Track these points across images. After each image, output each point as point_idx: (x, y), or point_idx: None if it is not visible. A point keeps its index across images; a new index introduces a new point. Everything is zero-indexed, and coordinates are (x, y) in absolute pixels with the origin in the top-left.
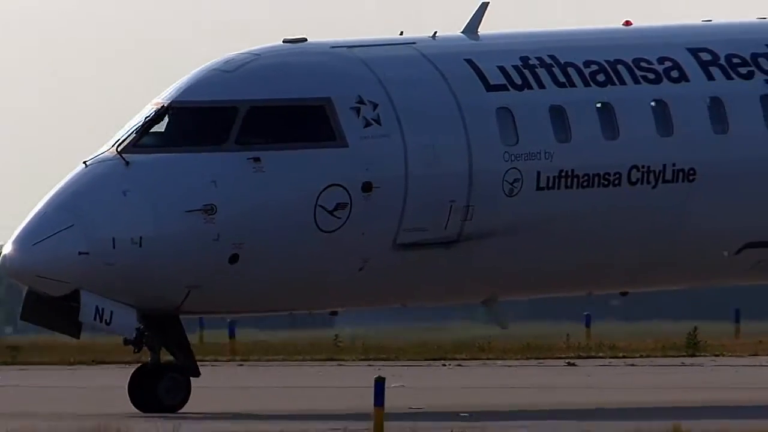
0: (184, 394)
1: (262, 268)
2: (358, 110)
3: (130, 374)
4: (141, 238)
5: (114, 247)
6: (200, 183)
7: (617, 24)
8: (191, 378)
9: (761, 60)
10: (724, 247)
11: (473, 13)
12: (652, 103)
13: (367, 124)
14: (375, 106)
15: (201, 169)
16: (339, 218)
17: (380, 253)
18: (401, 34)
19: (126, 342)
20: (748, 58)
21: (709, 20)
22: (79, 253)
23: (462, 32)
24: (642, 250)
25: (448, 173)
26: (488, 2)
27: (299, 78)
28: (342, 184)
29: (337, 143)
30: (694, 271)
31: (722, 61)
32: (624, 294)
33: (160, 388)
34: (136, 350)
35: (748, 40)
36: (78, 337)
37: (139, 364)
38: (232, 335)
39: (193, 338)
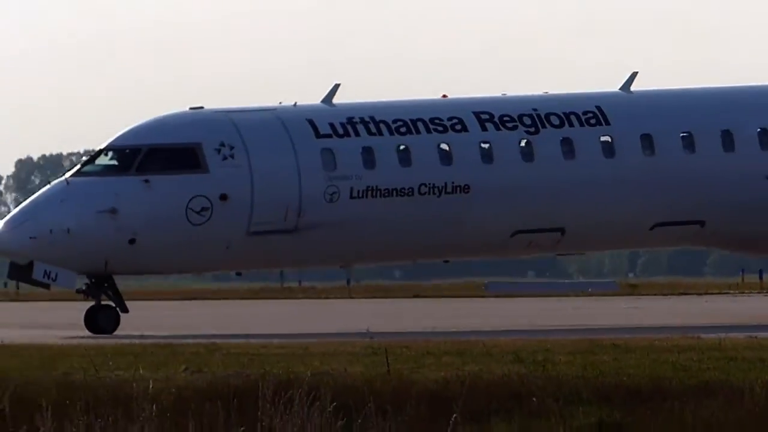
0: (115, 323)
1: (152, 247)
2: (219, 150)
3: (85, 311)
4: (69, 229)
5: (51, 234)
6: (108, 195)
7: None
8: (121, 313)
9: (524, 118)
10: (498, 234)
11: (331, 88)
12: (442, 145)
13: (225, 158)
14: (231, 147)
15: (110, 187)
16: (204, 216)
17: (239, 238)
18: (295, 104)
19: (78, 291)
20: (515, 117)
21: (504, 94)
22: (30, 238)
23: (321, 102)
24: (431, 235)
25: (285, 188)
26: (339, 84)
27: (183, 130)
28: (205, 194)
29: (202, 170)
30: (477, 249)
31: (496, 119)
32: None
33: (100, 319)
34: (86, 297)
35: (518, 105)
36: (48, 288)
37: (93, 303)
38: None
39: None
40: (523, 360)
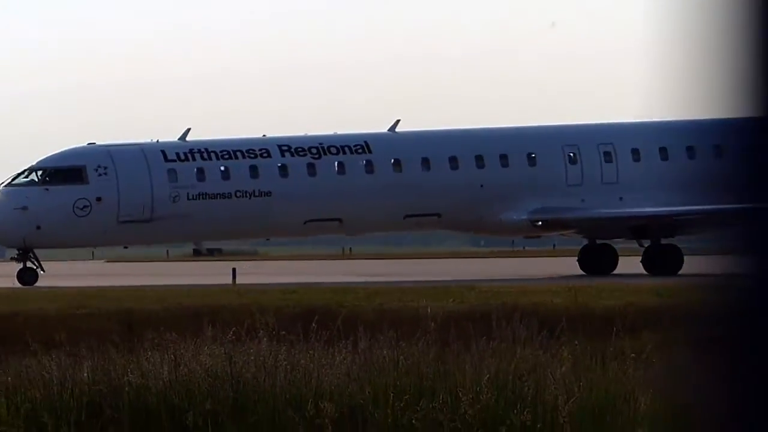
0: (36, 278)
1: (51, 231)
2: (97, 170)
3: (17, 271)
4: (33, 219)
5: None
6: (22, 198)
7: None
8: (39, 273)
9: (312, 149)
10: (295, 223)
11: (184, 131)
12: (252, 165)
13: (100, 175)
14: (105, 168)
15: (24, 193)
16: (86, 212)
17: (112, 225)
18: (157, 140)
19: (11, 258)
20: (306, 148)
21: (306, 134)
22: None
23: (177, 139)
24: (244, 224)
25: (142, 193)
26: (190, 128)
27: (75, 157)
28: (86, 197)
29: (84, 183)
30: (281, 232)
31: (292, 149)
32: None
33: (26, 276)
34: (17, 262)
35: (308, 140)
36: None
37: (21, 266)
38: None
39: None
40: (661, 294)
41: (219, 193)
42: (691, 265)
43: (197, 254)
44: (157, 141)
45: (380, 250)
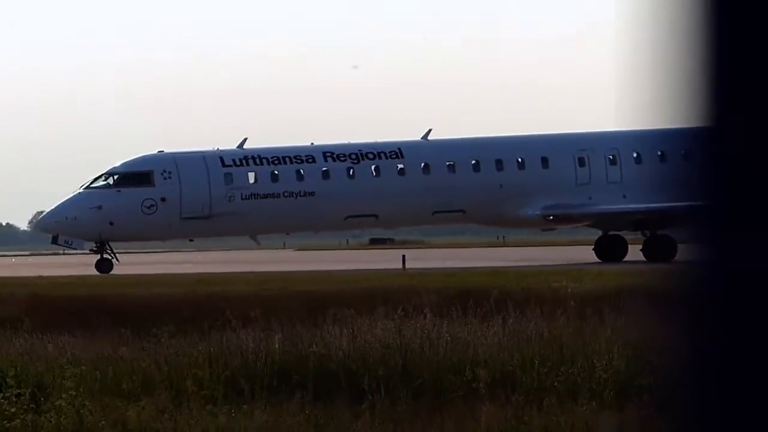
0: (111, 267)
1: (122, 227)
2: (163, 174)
3: (96, 261)
4: (76, 217)
5: (66, 220)
6: (98, 199)
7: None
8: (114, 262)
9: (351, 155)
10: (336, 218)
11: (240, 140)
12: (299, 170)
13: (166, 179)
14: (170, 172)
15: (99, 195)
16: (152, 210)
17: (177, 220)
18: (217, 149)
19: (91, 250)
20: (346, 154)
21: (349, 142)
22: (54, 222)
23: (235, 147)
24: (291, 220)
25: (200, 194)
26: (247, 138)
27: (144, 163)
28: (153, 198)
29: (152, 185)
30: (325, 227)
31: (334, 156)
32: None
33: (103, 266)
34: (96, 252)
35: (348, 147)
36: (78, 249)
37: (98, 257)
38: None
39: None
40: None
41: (269, 194)
42: (683, 252)
43: (373, 243)
44: (218, 149)
45: (531, 239)
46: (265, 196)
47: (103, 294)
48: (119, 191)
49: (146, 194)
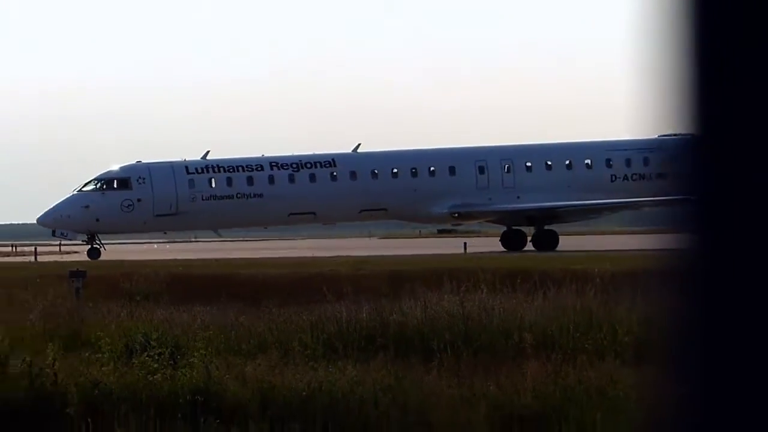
0: (99, 255)
1: (106, 222)
2: (138, 180)
3: (87, 250)
4: (69, 215)
5: (60, 217)
6: (86, 199)
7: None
8: (102, 250)
9: (293, 164)
10: (281, 215)
11: (204, 152)
12: (250, 176)
13: (140, 184)
14: (144, 179)
15: (87, 196)
16: (130, 209)
17: (151, 217)
18: (184, 159)
19: (82, 241)
20: (288, 164)
21: (292, 153)
22: (53, 219)
23: (200, 158)
24: (240, 218)
25: (168, 196)
26: (209, 150)
27: (124, 171)
28: (130, 198)
29: (129, 189)
30: (269, 224)
31: (278, 165)
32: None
33: (93, 254)
34: (87, 243)
35: (290, 158)
36: (72, 240)
37: (89, 246)
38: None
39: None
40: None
41: (225, 195)
42: (564, 243)
43: (440, 233)
44: (184, 159)
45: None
46: (222, 198)
47: (225, 274)
48: (103, 194)
49: (125, 196)
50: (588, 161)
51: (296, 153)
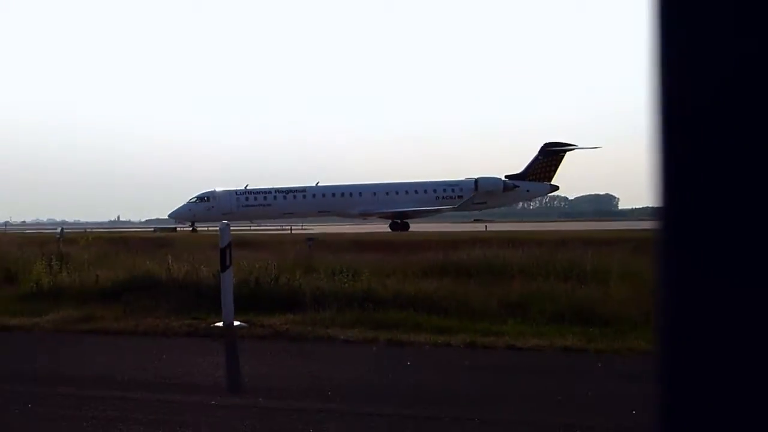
0: (196, 232)
1: (198, 216)
2: (207, 198)
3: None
4: (186, 213)
5: (182, 212)
6: (190, 205)
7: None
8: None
9: (293, 192)
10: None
11: (245, 185)
12: (267, 198)
13: (210, 200)
14: (214, 198)
15: (191, 204)
16: (211, 209)
17: (223, 215)
18: (242, 188)
19: (188, 227)
20: (285, 190)
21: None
22: (177, 215)
23: (244, 187)
24: (260, 216)
25: (229, 205)
26: (248, 184)
27: (207, 193)
28: (211, 206)
29: (210, 202)
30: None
31: (276, 191)
32: None
33: (193, 231)
34: (191, 227)
35: (294, 189)
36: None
37: (191, 229)
38: None
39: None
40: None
41: (253, 205)
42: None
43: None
44: (235, 189)
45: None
46: (253, 206)
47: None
48: (196, 203)
49: (208, 204)
50: (425, 189)
51: (286, 185)
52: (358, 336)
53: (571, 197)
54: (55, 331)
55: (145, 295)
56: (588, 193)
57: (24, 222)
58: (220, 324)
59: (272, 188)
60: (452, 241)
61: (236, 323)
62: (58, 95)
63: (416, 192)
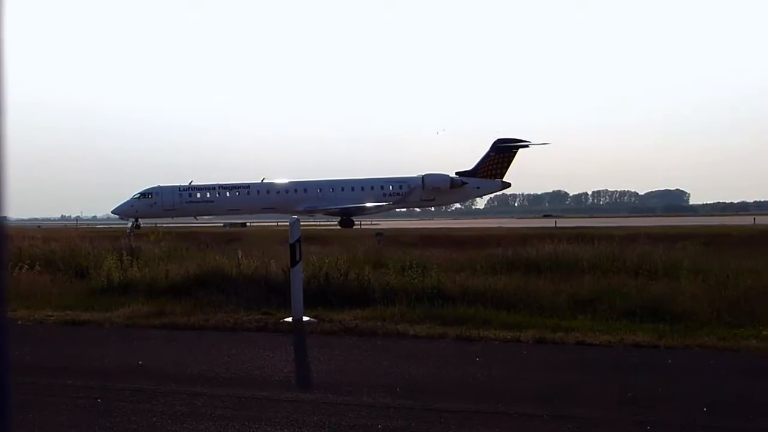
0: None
1: (140, 213)
2: (149, 195)
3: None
4: (128, 209)
5: (125, 210)
6: (132, 201)
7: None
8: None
9: (240, 188)
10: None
11: (189, 180)
12: (209, 195)
13: (153, 196)
14: (156, 194)
15: (133, 201)
16: (154, 206)
17: (163, 210)
18: (186, 183)
19: (131, 224)
20: (235, 185)
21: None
22: (122, 211)
23: (189, 182)
24: (200, 212)
25: (170, 200)
26: (192, 180)
27: (149, 190)
28: (153, 202)
29: (152, 198)
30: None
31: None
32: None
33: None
34: (134, 225)
35: (235, 186)
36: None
37: (135, 224)
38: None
39: None
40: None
41: (194, 201)
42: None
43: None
44: (179, 185)
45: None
46: (196, 202)
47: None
48: (139, 199)
49: (150, 201)
50: (372, 186)
51: (230, 182)
52: (427, 332)
53: (641, 192)
54: (125, 325)
55: (215, 290)
56: (658, 189)
57: (95, 217)
58: (290, 319)
59: (216, 184)
60: (521, 237)
61: (305, 319)
62: (140, 95)
63: (362, 189)
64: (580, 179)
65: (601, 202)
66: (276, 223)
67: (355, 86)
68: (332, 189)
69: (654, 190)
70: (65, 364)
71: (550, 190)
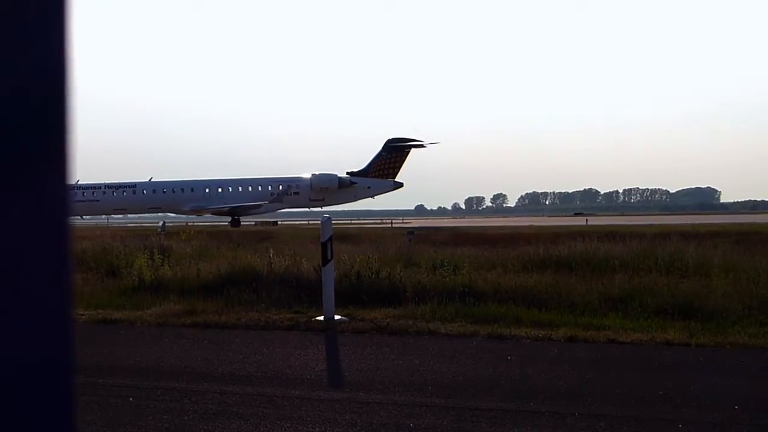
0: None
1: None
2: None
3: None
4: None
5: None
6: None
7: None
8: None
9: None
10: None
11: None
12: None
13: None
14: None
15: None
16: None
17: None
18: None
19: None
20: (121, 185)
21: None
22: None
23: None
24: (90, 212)
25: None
26: (79, 179)
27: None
28: (78, 198)
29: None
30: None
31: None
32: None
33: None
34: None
35: (131, 185)
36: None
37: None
38: None
39: None
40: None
41: (83, 200)
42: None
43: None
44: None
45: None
46: (79, 201)
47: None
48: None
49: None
50: (260, 186)
51: (116, 182)
52: (458, 330)
53: (672, 190)
54: (157, 324)
55: (246, 288)
56: (689, 186)
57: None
58: (321, 318)
59: (102, 183)
60: (552, 235)
61: (337, 317)
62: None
63: (250, 188)
64: (610, 177)
65: (632, 200)
66: (307, 222)
67: (352, 86)
68: (220, 188)
69: (685, 187)
70: (97, 363)
71: (582, 188)
